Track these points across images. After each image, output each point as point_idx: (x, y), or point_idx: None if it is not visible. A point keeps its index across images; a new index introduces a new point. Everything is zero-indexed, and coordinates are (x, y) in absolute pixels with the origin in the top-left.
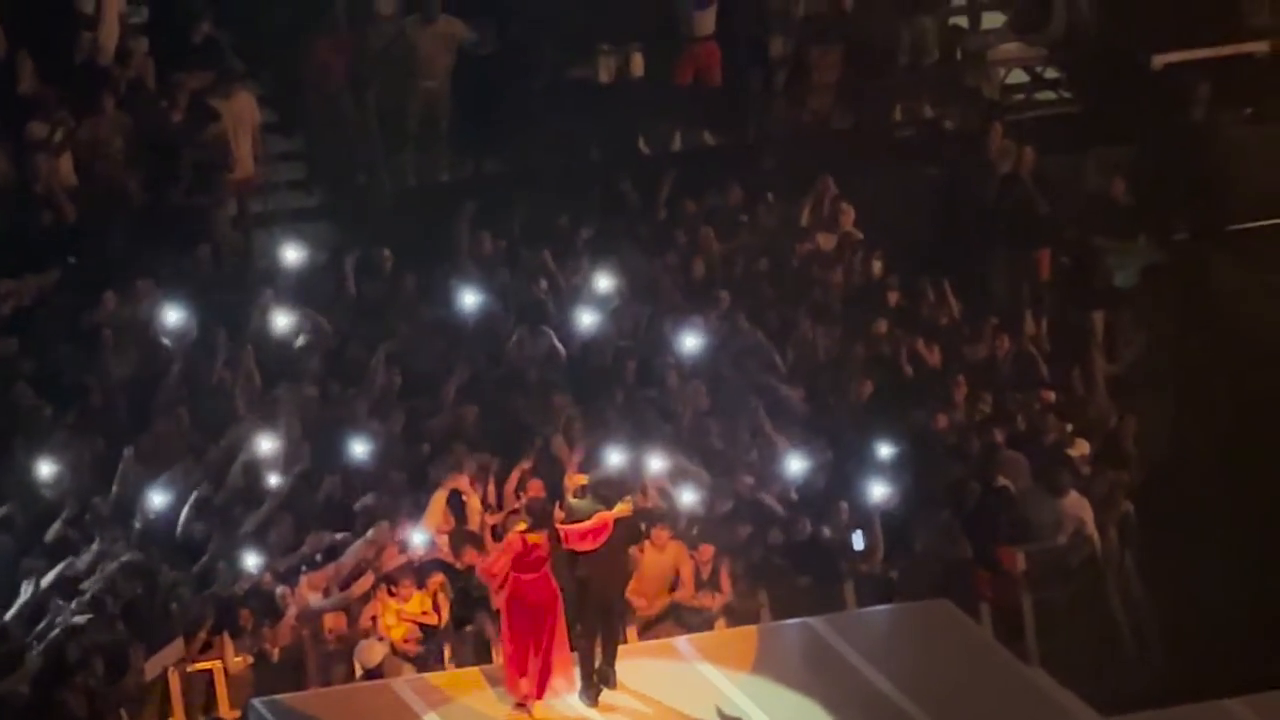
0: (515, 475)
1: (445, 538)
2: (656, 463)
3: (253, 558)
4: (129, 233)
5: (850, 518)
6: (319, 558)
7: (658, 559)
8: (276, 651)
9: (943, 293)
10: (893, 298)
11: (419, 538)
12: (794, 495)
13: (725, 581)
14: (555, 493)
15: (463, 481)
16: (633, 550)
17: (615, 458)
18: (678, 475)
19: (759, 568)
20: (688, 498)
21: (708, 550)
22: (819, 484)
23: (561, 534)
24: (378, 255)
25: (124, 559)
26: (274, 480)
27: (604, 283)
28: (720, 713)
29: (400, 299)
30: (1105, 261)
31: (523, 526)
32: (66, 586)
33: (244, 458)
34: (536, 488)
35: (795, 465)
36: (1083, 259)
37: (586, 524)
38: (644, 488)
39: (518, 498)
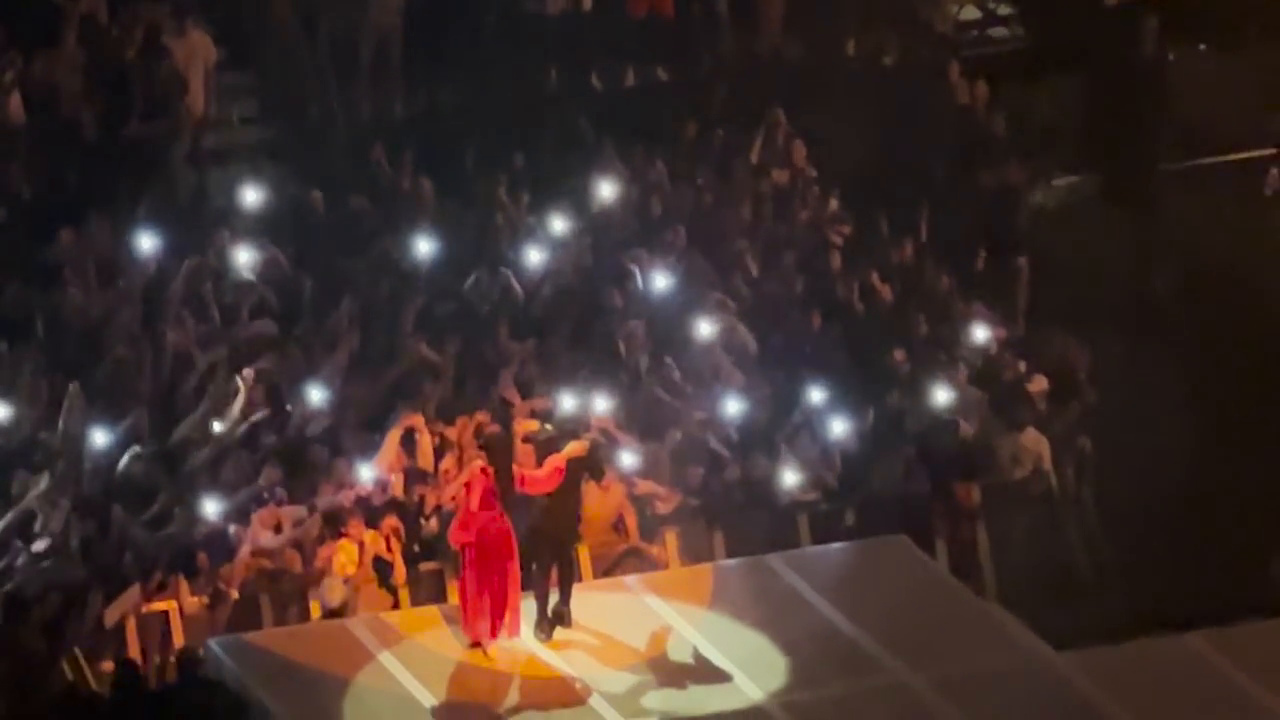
0: (465, 423)
1: (398, 477)
2: (603, 404)
3: (208, 499)
4: (84, 169)
5: (803, 455)
6: (268, 495)
7: (602, 499)
8: (233, 592)
9: (896, 228)
10: (844, 232)
11: (369, 474)
12: (746, 433)
13: (671, 540)
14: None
15: (417, 420)
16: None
17: (567, 400)
18: (628, 417)
19: (712, 506)
20: (633, 445)
21: (646, 485)
22: (771, 422)
23: (517, 477)
24: (331, 191)
25: (75, 499)
26: (229, 417)
27: (559, 221)
28: (675, 650)
29: (354, 234)
30: (1054, 196)
31: (480, 463)
32: (23, 527)
33: (199, 395)
34: (491, 427)
35: (747, 403)
36: (1028, 193)
37: (541, 470)
38: (594, 429)
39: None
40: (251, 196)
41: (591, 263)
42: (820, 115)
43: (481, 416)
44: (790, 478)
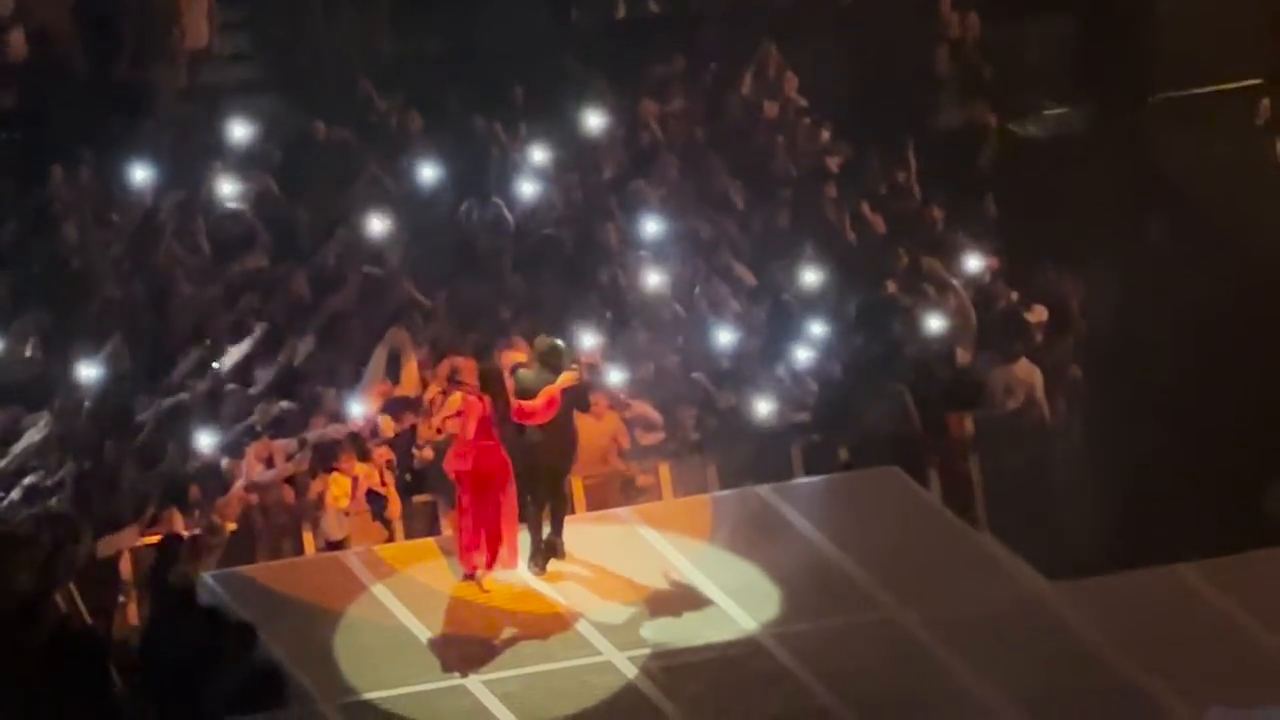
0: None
1: (388, 418)
2: (592, 338)
3: (202, 433)
4: (76, 106)
5: (795, 386)
6: (259, 428)
7: (595, 428)
8: (228, 525)
9: (886, 160)
10: (834, 164)
11: (357, 409)
12: (738, 366)
13: (664, 472)
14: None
15: (403, 337)
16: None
17: (559, 330)
18: (619, 350)
19: (706, 438)
20: (620, 371)
21: (639, 407)
22: (764, 353)
23: (514, 408)
24: (323, 126)
25: (69, 435)
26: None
27: (548, 153)
28: (668, 581)
29: (346, 169)
30: (1044, 127)
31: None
32: (15, 462)
33: (194, 331)
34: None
35: (740, 335)
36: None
37: (538, 400)
38: (586, 359)
39: (456, 383)
40: (243, 131)
41: (582, 197)
42: (811, 47)
43: (462, 359)
44: (781, 409)
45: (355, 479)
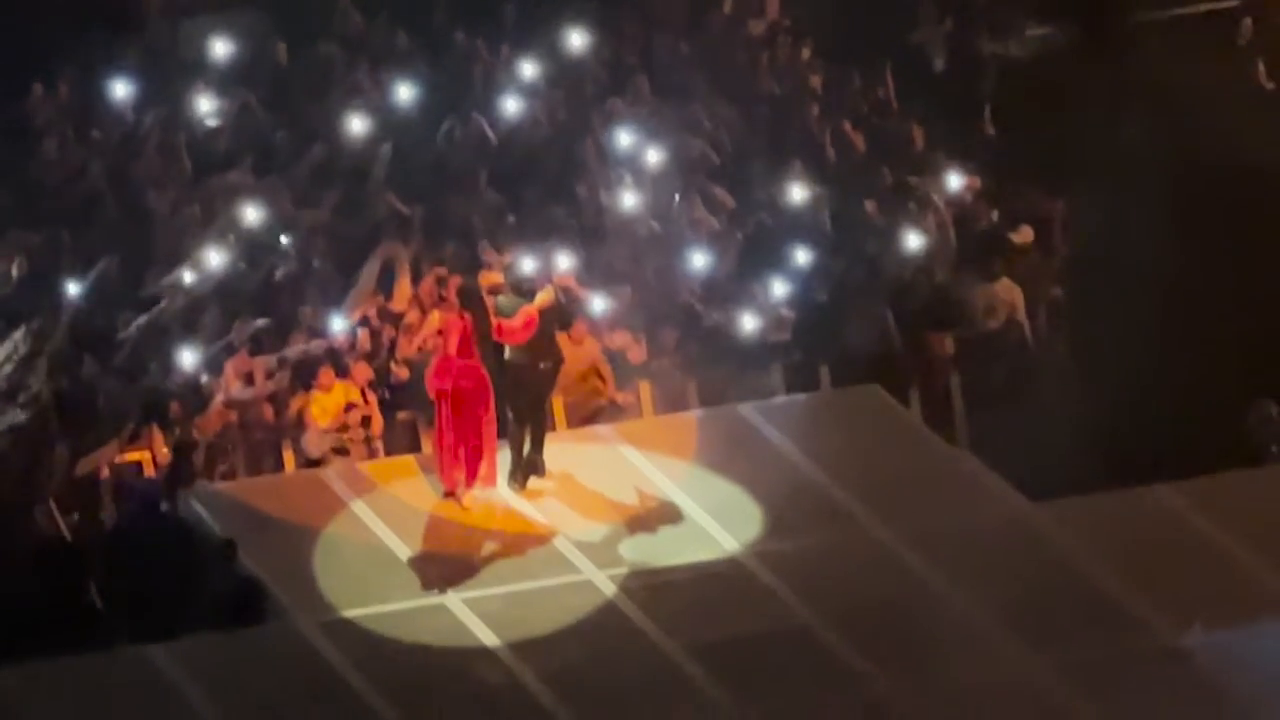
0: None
1: (364, 331)
2: (569, 258)
3: (182, 349)
4: (55, 21)
5: (775, 306)
6: (237, 345)
7: (576, 352)
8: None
9: (867, 79)
10: (816, 82)
11: (340, 324)
12: (719, 285)
13: (645, 390)
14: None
15: (398, 250)
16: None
17: (533, 253)
18: (599, 270)
19: (686, 357)
20: (599, 298)
21: (619, 336)
22: (744, 273)
23: (494, 326)
24: (301, 40)
25: (49, 350)
26: (201, 268)
27: (532, 70)
28: (648, 499)
29: (325, 83)
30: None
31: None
32: None
33: (173, 247)
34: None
35: (720, 255)
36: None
37: (516, 319)
38: (561, 282)
39: (440, 297)
40: (225, 47)
41: (564, 115)
42: None
43: (445, 276)
44: (762, 328)
45: (335, 395)
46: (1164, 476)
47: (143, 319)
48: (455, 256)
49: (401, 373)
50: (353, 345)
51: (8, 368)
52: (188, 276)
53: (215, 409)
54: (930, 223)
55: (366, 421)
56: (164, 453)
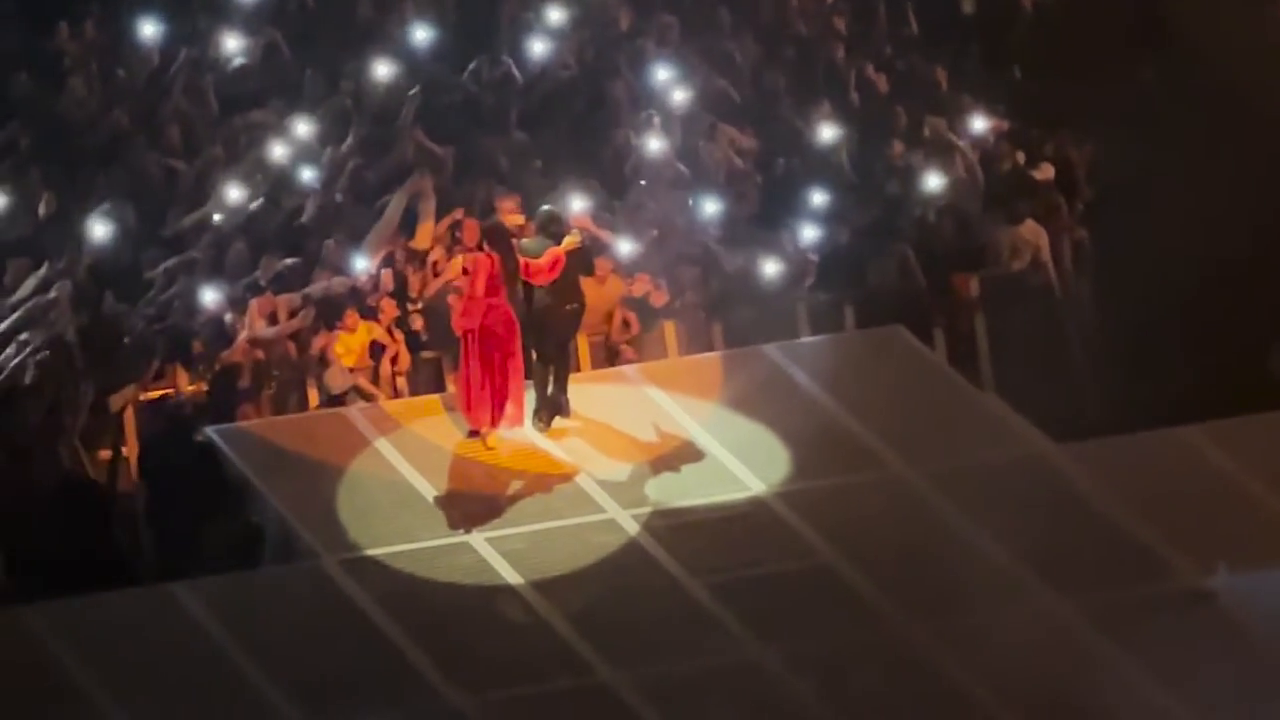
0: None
1: (389, 272)
2: (584, 202)
3: (206, 288)
4: None
5: (800, 248)
6: (263, 283)
7: (599, 292)
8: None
9: (891, 21)
10: (840, 23)
11: (361, 263)
12: (742, 226)
13: (670, 330)
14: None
15: (424, 185)
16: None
17: (561, 196)
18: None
19: (710, 298)
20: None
21: (642, 280)
22: (768, 215)
23: (521, 266)
24: None
25: (72, 288)
26: (226, 207)
27: (558, 10)
28: (672, 439)
29: (352, 23)
30: None
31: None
32: (19, 313)
33: (197, 187)
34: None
35: (744, 197)
36: None
37: (542, 259)
38: (580, 223)
39: (455, 239)
40: None
41: (590, 55)
42: None
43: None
44: (786, 270)
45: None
46: (1188, 418)
47: (171, 262)
48: (473, 199)
49: (416, 323)
50: (376, 285)
51: (31, 303)
52: (214, 216)
53: (239, 347)
54: (955, 164)
55: (394, 359)
56: (190, 389)
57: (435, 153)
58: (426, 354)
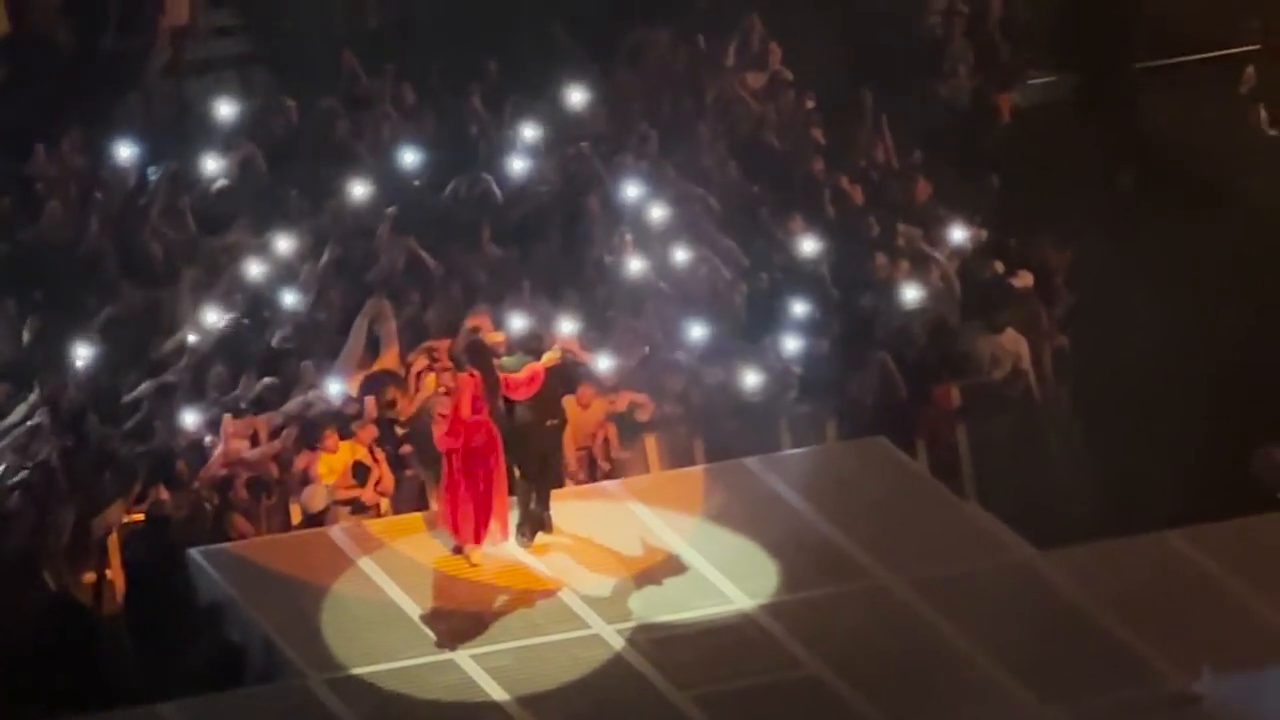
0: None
1: (372, 399)
2: (573, 323)
3: (188, 410)
4: (58, 81)
5: (780, 359)
6: (243, 404)
7: (583, 416)
8: (212, 500)
9: (869, 132)
10: (818, 135)
11: (336, 388)
12: (724, 339)
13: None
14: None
15: (382, 307)
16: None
17: (539, 314)
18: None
19: (692, 412)
20: (607, 358)
21: (625, 397)
22: (749, 328)
23: (501, 382)
24: (307, 99)
25: (54, 412)
26: (204, 329)
27: (533, 128)
28: (655, 553)
29: (330, 142)
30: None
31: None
32: (3, 438)
33: (176, 309)
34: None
35: (724, 310)
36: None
37: (521, 373)
38: (567, 344)
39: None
40: (229, 107)
41: (568, 171)
42: (797, 17)
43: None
44: (767, 382)
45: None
46: (1171, 523)
47: (149, 385)
48: (440, 319)
49: (404, 447)
50: (359, 413)
51: (18, 431)
52: (192, 337)
53: (214, 464)
54: (932, 274)
55: (378, 482)
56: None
57: (426, 262)
58: (408, 471)
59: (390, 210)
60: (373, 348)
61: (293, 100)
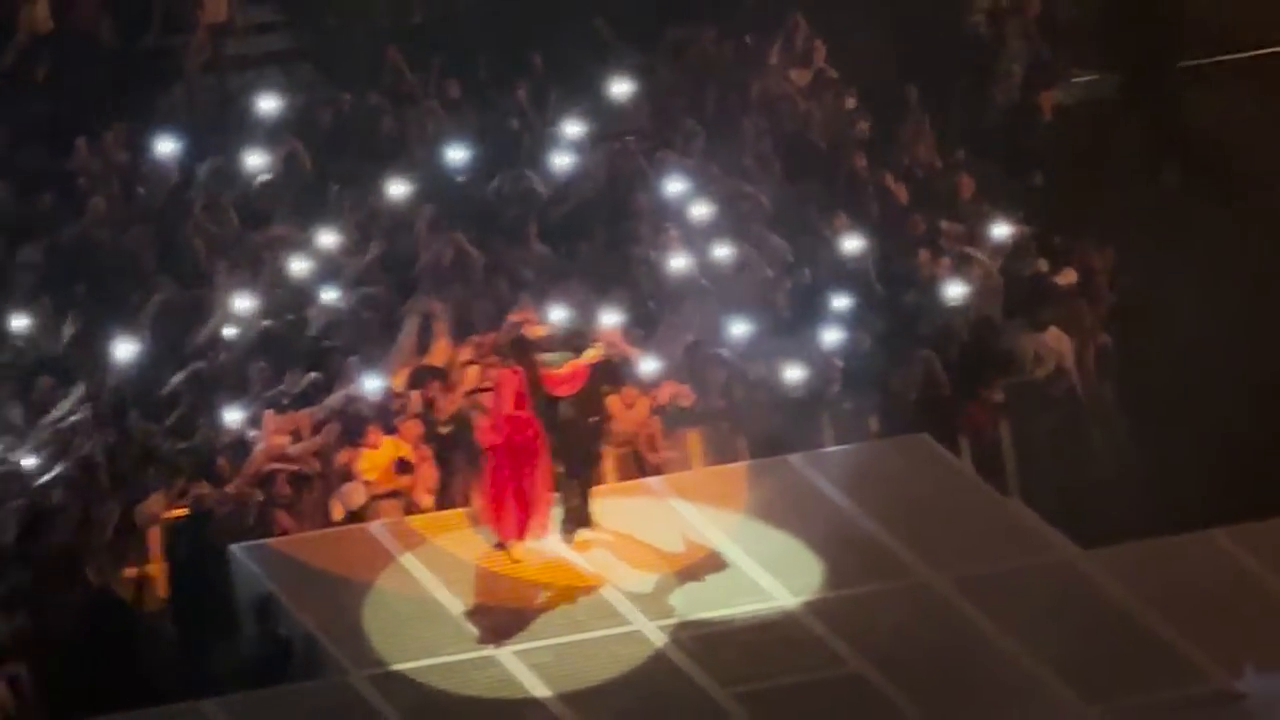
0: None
1: (417, 394)
2: (617, 317)
3: (229, 406)
4: (101, 77)
5: (824, 355)
6: (285, 400)
7: (627, 415)
8: (256, 494)
9: (914, 129)
10: (863, 129)
11: (377, 384)
12: (766, 335)
13: (695, 441)
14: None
15: (435, 307)
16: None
17: (583, 309)
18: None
19: (735, 407)
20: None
21: (667, 389)
22: (793, 325)
23: (544, 378)
24: (350, 96)
25: (97, 408)
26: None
27: (577, 125)
28: (697, 550)
29: (374, 137)
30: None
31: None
32: (48, 434)
33: (219, 304)
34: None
35: (768, 306)
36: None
37: (563, 370)
38: (612, 339)
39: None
40: (272, 104)
41: (613, 166)
42: (841, 15)
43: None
44: (811, 379)
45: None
46: (1215, 521)
47: (180, 376)
48: (484, 314)
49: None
50: (404, 407)
51: (61, 426)
52: (234, 333)
53: (260, 464)
54: (975, 272)
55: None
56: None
57: (473, 256)
58: (451, 467)
59: (427, 206)
60: (422, 346)
61: (345, 94)
